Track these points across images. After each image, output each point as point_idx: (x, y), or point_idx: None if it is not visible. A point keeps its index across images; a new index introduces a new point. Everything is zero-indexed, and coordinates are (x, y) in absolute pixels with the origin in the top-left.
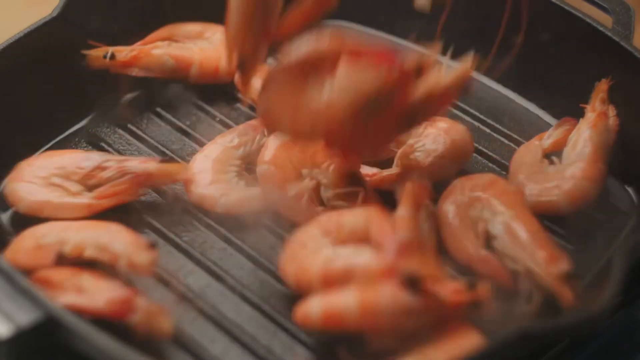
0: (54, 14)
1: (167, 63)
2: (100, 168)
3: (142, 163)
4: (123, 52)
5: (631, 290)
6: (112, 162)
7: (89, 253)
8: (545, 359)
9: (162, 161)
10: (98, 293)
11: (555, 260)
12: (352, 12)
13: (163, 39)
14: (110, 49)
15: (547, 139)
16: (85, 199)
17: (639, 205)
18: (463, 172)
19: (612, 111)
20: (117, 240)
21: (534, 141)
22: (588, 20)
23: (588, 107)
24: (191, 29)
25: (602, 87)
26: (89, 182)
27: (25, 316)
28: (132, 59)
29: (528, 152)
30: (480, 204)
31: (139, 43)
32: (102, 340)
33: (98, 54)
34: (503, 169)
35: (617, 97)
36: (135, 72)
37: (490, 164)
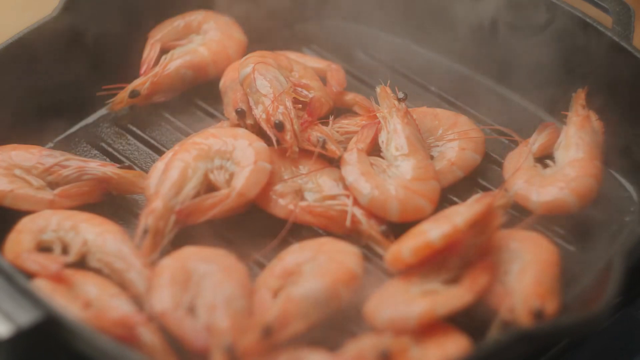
0: (54, 14)
1: (185, 75)
2: (60, 166)
3: (101, 166)
4: (144, 85)
5: (631, 290)
6: (72, 162)
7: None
8: (545, 359)
9: (122, 167)
10: (104, 311)
11: (543, 298)
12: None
13: (161, 53)
14: (130, 87)
15: (534, 144)
16: (49, 195)
17: (639, 206)
18: None
19: (594, 115)
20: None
21: (522, 147)
22: (588, 20)
23: (571, 113)
24: (176, 27)
25: (580, 95)
26: (48, 178)
27: (25, 316)
28: (153, 87)
29: (520, 158)
30: (511, 252)
31: (144, 70)
32: (102, 340)
33: (119, 97)
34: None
35: (617, 97)
36: (160, 97)
37: (490, 165)
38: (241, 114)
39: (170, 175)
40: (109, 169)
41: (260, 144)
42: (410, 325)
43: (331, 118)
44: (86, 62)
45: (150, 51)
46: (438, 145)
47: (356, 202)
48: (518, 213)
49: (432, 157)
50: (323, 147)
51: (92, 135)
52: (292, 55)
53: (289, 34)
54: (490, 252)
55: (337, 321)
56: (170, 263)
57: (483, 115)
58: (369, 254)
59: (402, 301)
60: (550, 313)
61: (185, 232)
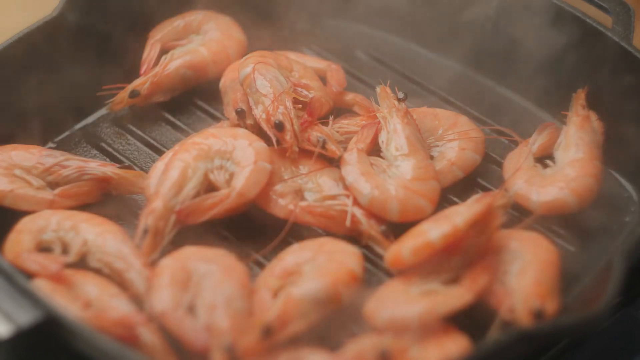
0: (54, 14)
1: (185, 75)
2: (60, 166)
3: (101, 166)
4: (144, 85)
5: (631, 290)
6: (72, 162)
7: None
8: (545, 359)
9: (122, 167)
10: (104, 311)
11: (543, 298)
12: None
13: (161, 53)
14: (130, 87)
15: (534, 144)
16: (49, 195)
17: (639, 206)
18: None
19: (594, 115)
20: (132, 269)
21: (522, 147)
22: (588, 20)
23: (571, 113)
24: (176, 27)
25: (580, 95)
26: (48, 178)
27: (25, 316)
28: (153, 87)
29: (520, 158)
30: (511, 252)
31: (144, 70)
32: (102, 340)
33: (119, 97)
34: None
35: (617, 97)
36: (160, 97)
37: (490, 165)
38: (241, 114)
39: (170, 175)
40: (109, 169)
41: (260, 144)
42: (410, 325)
43: (331, 118)
44: (86, 62)
45: (150, 51)
46: (438, 145)
47: (356, 202)
48: (518, 213)
49: (432, 157)
50: (323, 147)
51: (92, 135)
52: (292, 55)
53: (289, 34)
54: (490, 252)
55: (337, 321)
56: (170, 263)
57: (483, 115)
58: (369, 254)
59: (402, 301)
60: (550, 313)
61: (185, 232)
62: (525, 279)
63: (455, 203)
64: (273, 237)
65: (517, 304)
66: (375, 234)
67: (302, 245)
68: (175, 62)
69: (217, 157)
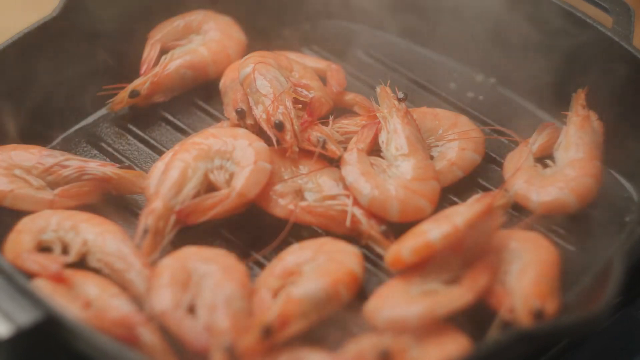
0: (54, 14)
1: (185, 75)
2: (60, 166)
3: (101, 166)
4: (144, 85)
5: (631, 290)
6: (72, 162)
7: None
8: (545, 359)
9: (122, 167)
10: (104, 311)
11: (543, 298)
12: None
13: (161, 53)
14: (130, 87)
15: (534, 144)
16: (49, 195)
17: (639, 205)
18: None
19: (594, 115)
20: (132, 269)
21: (522, 147)
22: (588, 20)
23: (571, 113)
24: (176, 27)
25: (580, 95)
26: (48, 178)
27: (25, 316)
28: (153, 86)
29: (520, 158)
30: (511, 252)
31: (144, 70)
32: (102, 340)
33: (119, 97)
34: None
35: (617, 97)
36: (160, 97)
37: (490, 165)
38: (241, 114)
39: (170, 175)
40: (109, 169)
41: (260, 144)
42: (410, 325)
43: (331, 118)
44: (86, 62)
45: (150, 51)
46: (438, 145)
47: (356, 202)
48: (518, 213)
49: (432, 157)
50: (323, 147)
51: (92, 135)
52: (292, 55)
53: (289, 34)
54: (490, 252)
55: (337, 321)
56: (170, 263)
57: (483, 115)
58: (369, 254)
59: (402, 301)
60: (550, 313)
61: (185, 232)
62: (525, 279)
63: (455, 203)
64: (273, 237)
65: (517, 304)
66: (375, 234)
67: (302, 245)
68: (175, 62)
69: (217, 157)
